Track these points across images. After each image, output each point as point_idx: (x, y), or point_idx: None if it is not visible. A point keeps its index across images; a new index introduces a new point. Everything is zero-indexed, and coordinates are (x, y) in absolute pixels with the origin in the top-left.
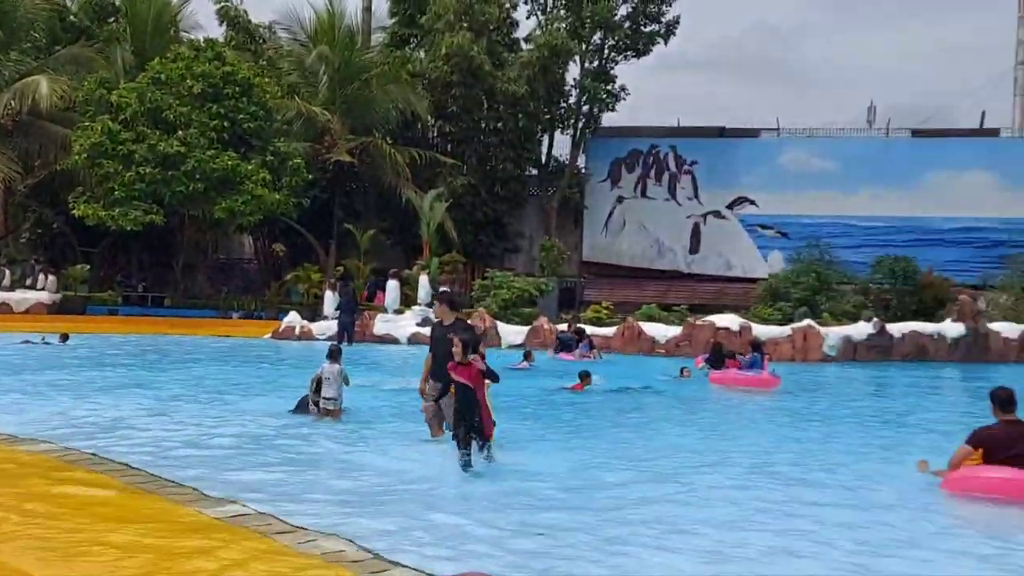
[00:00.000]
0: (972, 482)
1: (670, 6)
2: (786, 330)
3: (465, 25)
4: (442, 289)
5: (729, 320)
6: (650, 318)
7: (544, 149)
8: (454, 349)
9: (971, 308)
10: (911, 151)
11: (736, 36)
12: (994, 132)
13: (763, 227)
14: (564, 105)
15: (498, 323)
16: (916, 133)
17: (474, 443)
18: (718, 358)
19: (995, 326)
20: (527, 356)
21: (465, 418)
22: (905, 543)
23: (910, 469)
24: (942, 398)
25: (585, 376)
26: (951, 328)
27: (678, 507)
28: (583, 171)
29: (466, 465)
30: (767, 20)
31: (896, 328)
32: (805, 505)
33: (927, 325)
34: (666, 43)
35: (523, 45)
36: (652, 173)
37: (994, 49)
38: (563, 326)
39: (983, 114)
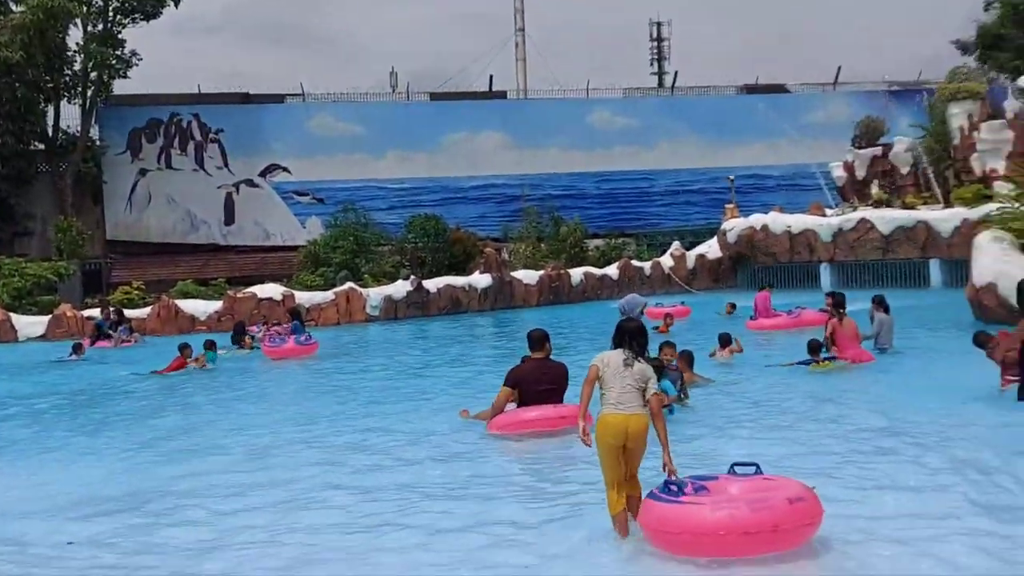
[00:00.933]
0: (512, 424)
1: None
2: (329, 295)
3: None
4: None
5: (271, 290)
6: (186, 295)
7: (51, 121)
8: None
9: (496, 259)
10: (431, 114)
11: (252, 1)
12: (502, 95)
13: (298, 194)
14: (69, 72)
15: (11, 315)
16: (434, 97)
17: None
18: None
19: (517, 274)
20: (77, 348)
21: None
22: (468, 481)
23: (454, 417)
24: (479, 345)
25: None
26: (480, 279)
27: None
28: (98, 143)
29: None
30: None
31: (432, 284)
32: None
33: (459, 279)
34: (176, 5)
35: (13, 7)
36: (176, 143)
37: (500, 17)
38: (96, 311)
39: (491, 78)
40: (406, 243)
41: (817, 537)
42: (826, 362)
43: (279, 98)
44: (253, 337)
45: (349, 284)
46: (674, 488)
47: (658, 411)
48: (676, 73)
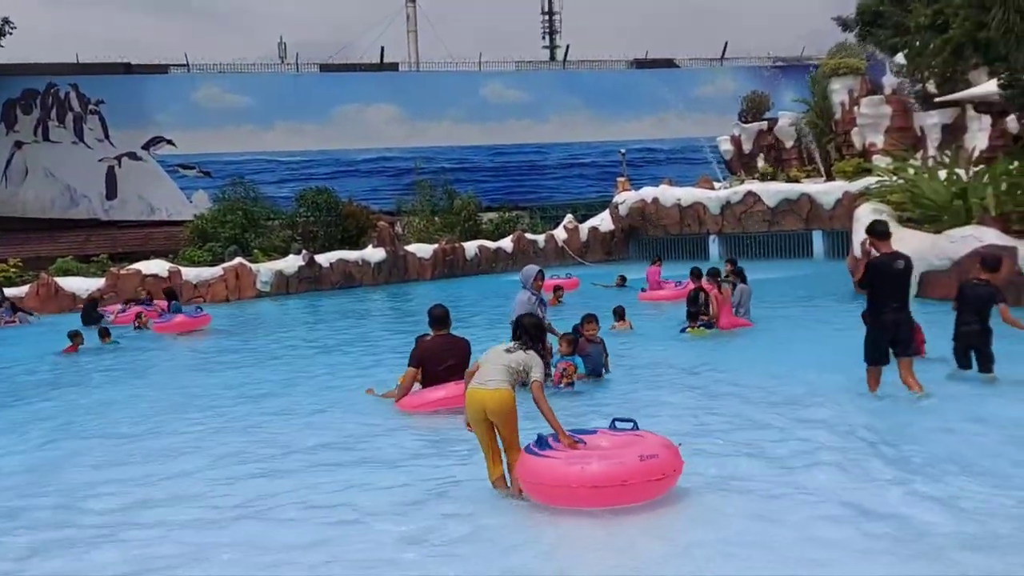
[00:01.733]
0: (420, 403)
1: None
2: (218, 270)
3: None
4: None
5: (157, 266)
6: (67, 272)
7: None
8: None
9: (389, 233)
10: (321, 86)
11: None
12: (394, 67)
13: (184, 167)
14: None
15: None
16: (324, 68)
17: None
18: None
19: (411, 248)
20: None
21: None
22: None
23: (361, 394)
24: (374, 320)
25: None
26: (374, 254)
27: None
28: None
29: None
30: None
31: (324, 258)
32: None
33: (352, 253)
34: None
35: None
36: (54, 114)
37: None
38: None
39: (382, 50)
40: (297, 217)
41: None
42: (701, 328)
43: (163, 68)
44: (139, 316)
45: (238, 259)
46: (539, 444)
47: (539, 396)
48: (568, 47)
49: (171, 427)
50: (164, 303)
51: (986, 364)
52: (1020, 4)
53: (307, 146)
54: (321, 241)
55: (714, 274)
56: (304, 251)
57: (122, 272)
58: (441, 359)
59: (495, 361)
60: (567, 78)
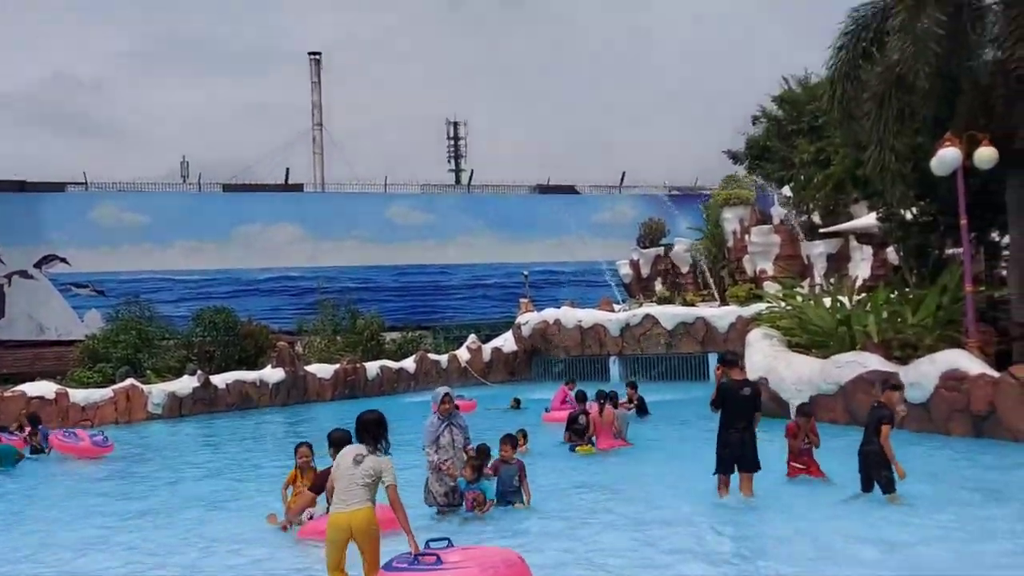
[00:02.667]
0: (320, 529)
1: None
2: (108, 392)
3: None
4: None
5: (43, 388)
6: None
7: None
8: None
9: (288, 353)
10: (224, 205)
11: (32, 87)
12: (298, 187)
13: (77, 286)
14: None
15: None
16: (227, 188)
17: None
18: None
19: (311, 368)
20: None
21: None
22: None
23: (262, 521)
24: (270, 443)
25: None
26: (272, 374)
27: None
28: None
29: None
30: (69, 71)
31: (220, 379)
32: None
33: (250, 373)
34: None
35: None
36: None
37: (296, 109)
38: None
39: (287, 171)
40: (193, 337)
41: None
42: (588, 446)
43: (59, 186)
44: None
45: (130, 380)
46: (404, 562)
47: (394, 500)
48: (472, 171)
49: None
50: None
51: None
52: (894, 144)
53: (207, 265)
54: (218, 361)
55: (603, 397)
56: (199, 371)
57: (6, 394)
58: None
59: (349, 479)
60: (471, 201)
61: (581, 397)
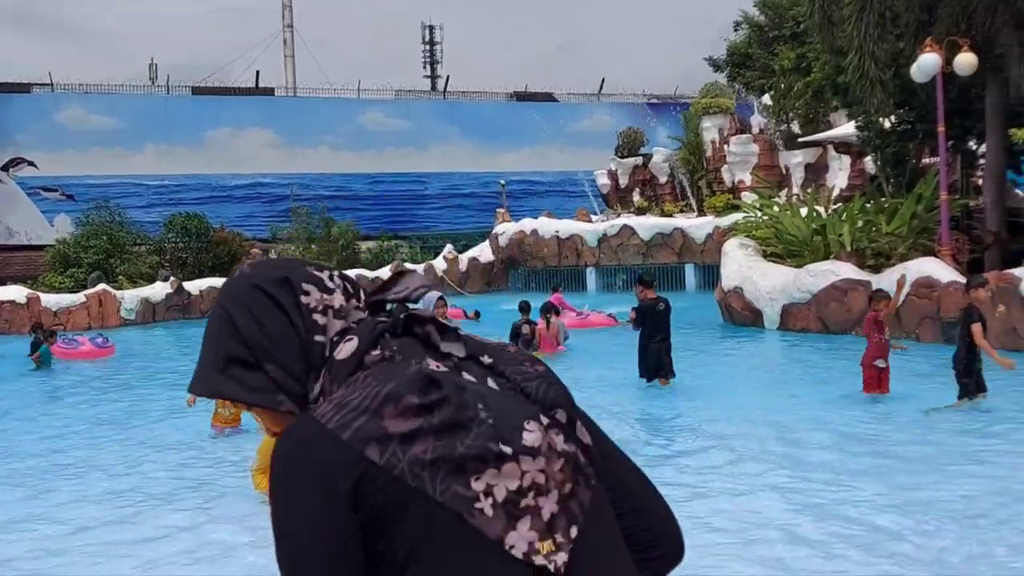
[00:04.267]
0: None
1: None
2: (80, 297)
3: None
4: None
5: (14, 292)
6: None
7: None
8: None
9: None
10: (193, 108)
11: None
12: (269, 91)
13: (46, 189)
14: None
15: None
16: (197, 91)
17: None
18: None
19: None
20: None
21: None
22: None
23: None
24: None
25: None
26: None
27: None
28: None
29: None
30: None
31: (193, 285)
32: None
33: (223, 280)
34: None
35: None
36: None
37: (266, 10)
38: None
39: (257, 74)
40: (165, 243)
41: None
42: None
43: (25, 88)
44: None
45: (102, 286)
46: None
47: None
48: (448, 77)
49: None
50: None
51: None
52: (874, 51)
53: (177, 170)
54: (191, 268)
55: (545, 310)
56: (172, 278)
57: None
58: None
59: None
60: (447, 108)
61: (525, 308)
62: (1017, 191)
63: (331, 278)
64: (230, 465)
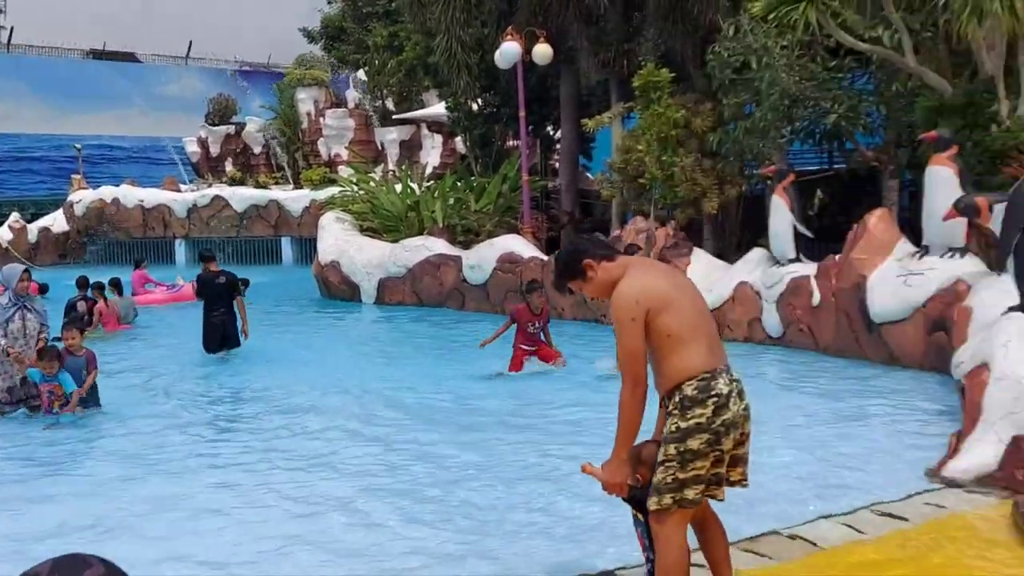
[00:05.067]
0: None
1: None
2: None
3: None
4: None
5: None
6: None
7: None
8: None
9: None
10: None
11: None
12: None
13: None
14: None
15: None
16: None
17: None
18: None
19: None
20: None
21: None
22: None
23: None
24: None
25: None
26: None
27: None
28: None
29: None
30: None
31: None
32: None
33: None
34: None
35: None
36: None
37: None
38: None
39: None
40: None
41: None
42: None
43: None
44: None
45: None
46: None
47: None
48: (12, 28)
49: None
50: None
51: None
52: (460, 35)
53: None
54: None
55: (99, 287)
56: None
57: None
58: None
59: None
60: (14, 63)
61: (82, 283)
62: (588, 175)
63: None
64: None
